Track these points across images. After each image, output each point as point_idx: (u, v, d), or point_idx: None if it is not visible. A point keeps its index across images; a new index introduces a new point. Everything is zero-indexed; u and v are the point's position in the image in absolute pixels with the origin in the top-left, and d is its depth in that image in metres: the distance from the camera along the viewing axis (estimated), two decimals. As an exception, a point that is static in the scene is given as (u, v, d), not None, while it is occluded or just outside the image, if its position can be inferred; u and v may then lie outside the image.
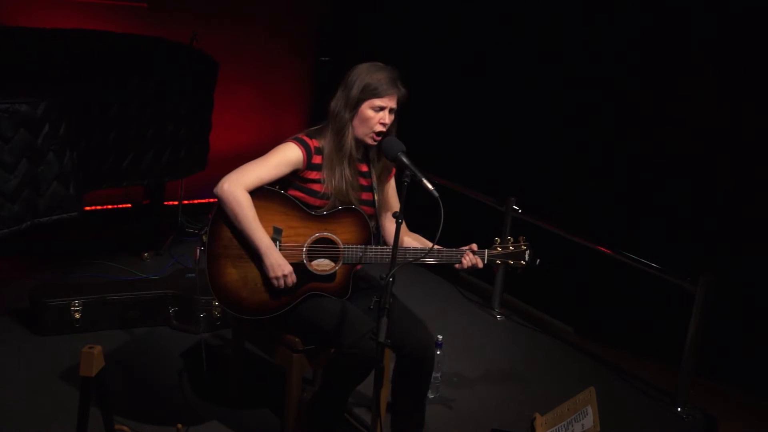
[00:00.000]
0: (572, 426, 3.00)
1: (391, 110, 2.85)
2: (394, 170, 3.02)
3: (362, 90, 2.82)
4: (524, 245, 2.97)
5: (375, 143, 2.88)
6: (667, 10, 4.36)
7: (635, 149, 4.55)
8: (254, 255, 2.83)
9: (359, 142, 2.89)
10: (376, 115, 2.83)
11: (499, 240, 2.99)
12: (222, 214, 2.83)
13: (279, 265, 2.80)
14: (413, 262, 2.88)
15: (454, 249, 2.92)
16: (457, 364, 3.87)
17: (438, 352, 3.51)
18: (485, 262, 2.94)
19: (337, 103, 2.88)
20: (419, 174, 2.64)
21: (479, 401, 3.62)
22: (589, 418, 2.93)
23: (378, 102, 2.82)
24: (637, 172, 4.54)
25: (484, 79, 5.31)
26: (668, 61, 4.40)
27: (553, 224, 4.30)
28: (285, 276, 2.80)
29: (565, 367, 4.09)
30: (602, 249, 4.12)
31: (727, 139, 4.20)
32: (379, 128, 2.84)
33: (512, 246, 2.97)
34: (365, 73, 2.84)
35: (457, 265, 2.93)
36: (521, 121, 5.11)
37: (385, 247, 2.91)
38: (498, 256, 2.96)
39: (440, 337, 3.55)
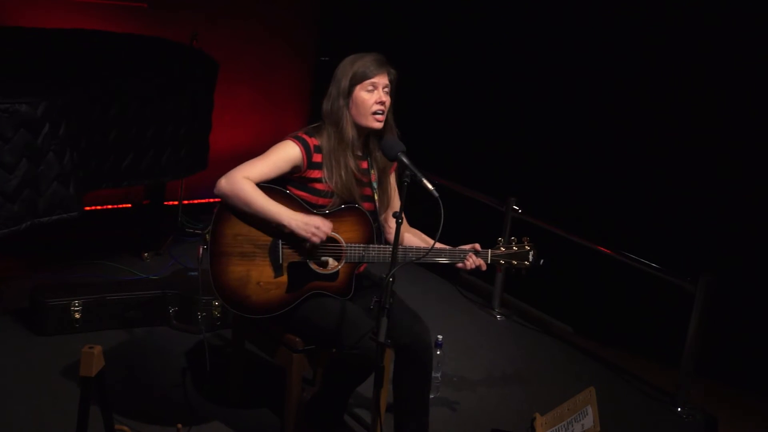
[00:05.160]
0: (572, 426, 3.00)
1: (384, 89, 2.85)
2: (395, 165, 3.01)
3: (351, 77, 2.82)
4: (528, 245, 2.96)
5: (380, 124, 2.86)
6: (667, 10, 4.36)
7: (635, 149, 4.55)
8: (276, 232, 2.80)
9: (361, 130, 2.88)
10: (371, 96, 2.82)
11: (502, 240, 2.98)
12: (225, 212, 2.83)
13: (306, 222, 2.76)
14: (415, 261, 2.87)
15: (457, 248, 2.92)
16: (457, 364, 3.87)
17: (438, 352, 3.51)
18: (488, 262, 2.93)
19: (329, 100, 2.88)
20: (419, 174, 2.64)
21: (479, 401, 3.62)
22: (589, 418, 2.93)
23: (369, 82, 2.82)
24: (637, 172, 4.54)
25: (485, 78, 5.31)
26: (668, 61, 4.40)
27: (553, 224, 4.30)
28: (318, 228, 2.76)
29: (565, 367, 4.09)
30: (602, 249, 4.12)
31: (727, 138, 4.20)
32: (377, 107, 2.83)
33: (516, 246, 2.96)
34: (350, 63, 2.85)
35: (459, 265, 2.92)
36: (521, 121, 5.11)
37: (387, 246, 2.90)
38: (501, 256, 2.95)
39: (440, 337, 3.55)
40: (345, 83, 2.83)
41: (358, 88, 2.82)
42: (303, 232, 2.76)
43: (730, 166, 4.19)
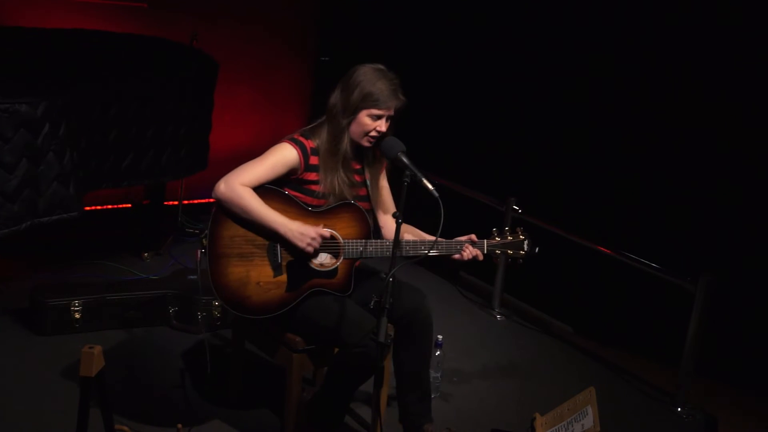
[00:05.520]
0: (572, 426, 3.00)
1: (388, 118, 2.87)
2: (384, 164, 3.04)
3: (363, 98, 2.82)
4: (522, 235, 2.99)
5: (370, 145, 2.90)
6: (667, 10, 4.36)
7: (635, 149, 4.55)
8: (272, 238, 2.82)
9: (354, 144, 2.91)
10: (374, 123, 2.85)
11: (496, 230, 3.00)
12: (222, 214, 2.84)
13: (302, 233, 2.79)
14: (413, 258, 2.87)
15: (453, 240, 2.93)
16: (457, 364, 3.87)
17: (438, 353, 3.51)
18: (485, 252, 2.95)
19: (335, 102, 2.89)
20: (419, 174, 2.65)
21: (479, 401, 3.62)
22: (589, 418, 2.93)
23: (377, 112, 2.83)
24: (637, 172, 4.54)
25: (484, 78, 5.31)
26: (667, 61, 4.40)
27: (553, 224, 4.30)
28: (313, 239, 2.79)
29: (565, 367, 4.09)
30: (602, 249, 4.12)
31: (727, 138, 4.20)
32: (375, 134, 2.86)
33: (510, 236, 2.99)
34: (367, 80, 2.84)
35: (456, 256, 2.93)
36: (521, 121, 5.11)
37: (385, 241, 2.92)
38: (497, 246, 2.97)
39: (440, 337, 3.55)
40: (356, 98, 2.83)
41: (364, 111, 2.84)
42: (298, 242, 2.79)
43: (730, 166, 4.19)
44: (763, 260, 4.06)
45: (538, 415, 3.25)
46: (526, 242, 2.99)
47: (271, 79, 5.81)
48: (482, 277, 4.83)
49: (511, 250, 2.98)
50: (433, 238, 2.89)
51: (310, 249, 2.79)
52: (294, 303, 2.88)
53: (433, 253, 2.89)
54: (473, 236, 2.95)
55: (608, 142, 4.64)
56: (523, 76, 5.07)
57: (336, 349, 2.94)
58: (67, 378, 3.38)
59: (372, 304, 2.75)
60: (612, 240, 4.15)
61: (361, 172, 2.99)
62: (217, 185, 2.81)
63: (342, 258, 2.88)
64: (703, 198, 4.25)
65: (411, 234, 3.04)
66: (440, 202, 2.55)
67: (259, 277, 2.86)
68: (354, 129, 2.87)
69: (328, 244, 2.88)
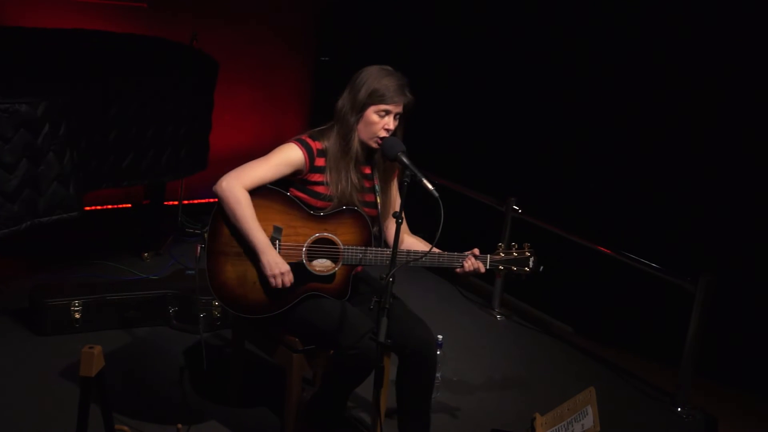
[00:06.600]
0: (572, 426, 3.00)
1: (396, 116, 2.85)
2: (397, 170, 3.02)
3: (370, 94, 2.81)
4: (528, 252, 2.93)
5: (378, 147, 2.88)
6: (667, 9, 4.36)
7: (635, 149, 4.55)
8: (252, 253, 2.83)
9: (363, 145, 2.90)
10: (381, 121, 2.83)
11: (502, 245, 2.96)
12: (222, 212, 2.83)
13: (276, 263, 2.79)
14: (413, 264, 2.86)
15: (455, 253, 2.91)
16: (457, 365, 3.87)
17: (438, 353, 3.51)
18: (487, 267, 2.93)
19: (343, 104, 2.88)
20: (419, 174, 2.65)
21: (479, 401, 3.62)
22: (589, 418, 2.93)
23: (384, 107, 2.82)
24: (637, 171, 4.54)
25: (485, 78, 5.31)
26: (667, 61, 4.40)
27: (553, 224, 4.30)
28: (282, 274, 2.80)
29: (565, 367, 4.09)
30: (602, 249, 4.12)
31: (727, 138, 4.20)
32: (383, 133, 2.84)
33: (516, 252, 2.93)
34: (374, 78, 2.83)
35: (458, 270, 2.92)
36: (521, 121, 5.11)
37: (385, 249, 2.90)
38: (501, 261, 2.93)
39: (440, 337, 3.55)
40: (362, 96, 2.82)
41: (372, 108, 2.82)
42: (267, 270, 2.80)
43: (731, 166, 4.19)
44: (763, 260, 4.06)
45: (538, 415, 3.25)
46: (531, 259, 2.92)
47: (271, 79, 5.81)
48: (482, 277, 4.82)
49: (515, 266, 2.93)
50: (437, 250, 2.86)
51: (273, 281, 2.80)
52: (290, 305, 2.88)
53: (434, 264, 2.88)
54: (476, 250, 2.91)
55: (608, 142, 4.64)
56: (523, 75, 5.07)
57: (332, 351, 2.94)
58: (67, 378, 3.38)
59: (372, 304, 2.75)
60: (612, 240, 4.15)
61: (370, 178, 2.96)
62: (219, 181, 2.81)
63: (341, 263, 2.88)
64: (703, 198, 4.25)
65: (417, 243, 3.02)
66: (440, 202, 2.55)
67: (256, 276, 2.86)
68: (362, 128, 2.85)
69: (328, 249, 2.87)
